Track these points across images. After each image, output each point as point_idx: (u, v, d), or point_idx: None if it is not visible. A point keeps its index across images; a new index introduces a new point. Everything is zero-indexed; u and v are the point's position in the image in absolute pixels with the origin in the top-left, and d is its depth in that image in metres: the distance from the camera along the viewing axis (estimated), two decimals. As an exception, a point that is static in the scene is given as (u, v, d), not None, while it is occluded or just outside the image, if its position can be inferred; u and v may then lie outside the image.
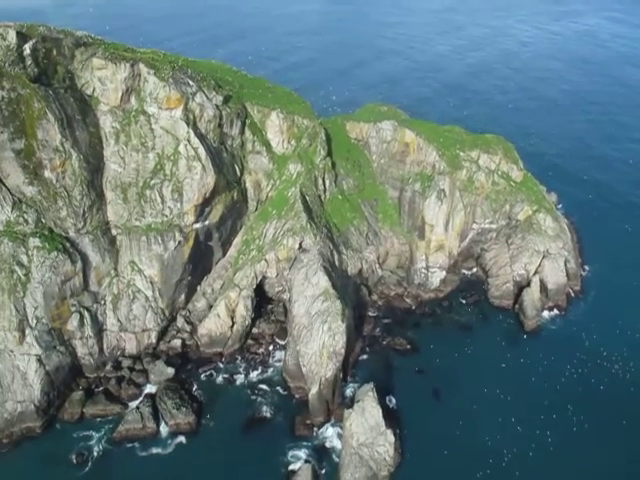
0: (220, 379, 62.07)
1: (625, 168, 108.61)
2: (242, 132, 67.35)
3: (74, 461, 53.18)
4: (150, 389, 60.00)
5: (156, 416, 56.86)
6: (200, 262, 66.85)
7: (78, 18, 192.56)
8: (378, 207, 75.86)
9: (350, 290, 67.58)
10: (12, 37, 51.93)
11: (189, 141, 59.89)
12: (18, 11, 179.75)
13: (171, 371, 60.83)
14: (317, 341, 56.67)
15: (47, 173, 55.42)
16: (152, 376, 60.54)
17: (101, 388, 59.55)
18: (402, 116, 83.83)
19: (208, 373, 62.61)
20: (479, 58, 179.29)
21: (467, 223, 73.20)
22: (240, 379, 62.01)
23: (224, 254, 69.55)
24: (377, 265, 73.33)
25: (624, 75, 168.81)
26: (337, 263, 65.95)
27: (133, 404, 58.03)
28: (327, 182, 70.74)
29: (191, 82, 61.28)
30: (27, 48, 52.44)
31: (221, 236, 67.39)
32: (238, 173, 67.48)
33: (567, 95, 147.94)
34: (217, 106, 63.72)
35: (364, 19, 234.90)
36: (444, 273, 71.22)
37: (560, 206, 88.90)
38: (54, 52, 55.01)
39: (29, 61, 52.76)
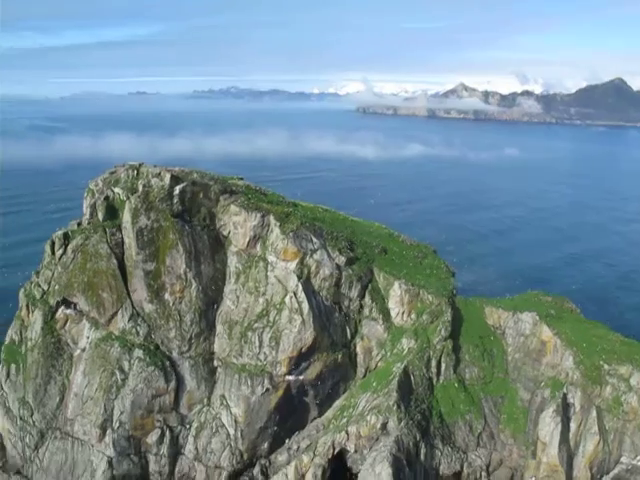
0: None
1: None
2: (362, 296, 65.35)
3: None
4: (195, 530, 56.93)
5: None
6: (291, 416, 63.47)
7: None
8: (503, 407, 64.54)
9: (435, 493, 57.05)
10: (167, 179, 60.15)
11: (295, 294, 60.00)
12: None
13: (220, 518, 57.06)
14: (357, 539, 48.06)
15: (167, 296, 60.28)
16: (201, 517, 57.53)
17: (154, 512, 58.58)
18: (565, 312, 72.68)
19: (257, 534, 57.27)
20: None
21: (609, 454, 57.63)
22: None
23: (320, 414, 65.11)
24: (484, 473, 60.96)
25: None
26: (422, 457, 56.60)
27: (172, 540, 55.45)
28: (443, 365, 63.09)
29: (315, 239, 62.57)
30: (177, 189, 59.98)
31: (317, 395, 63.65)
32: (349, 336, 64.61)
33: None
34: (338, 266, 63.51)
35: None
36: (558, 509, 55.85)
37: None
38: (201, 195, 61.84)
39: (176, 200, 60.01)
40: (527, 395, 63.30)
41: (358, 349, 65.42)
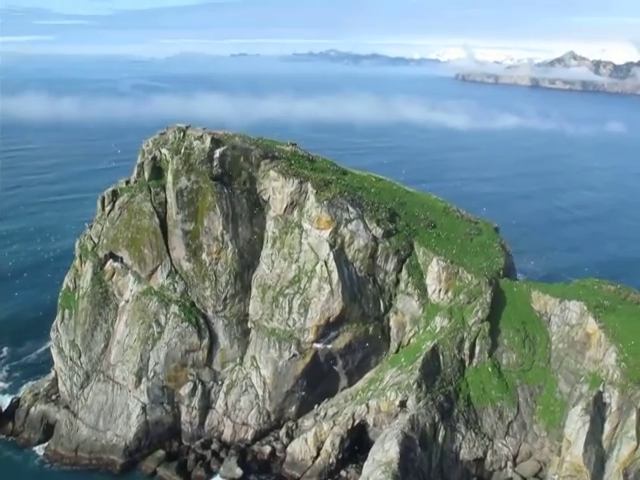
0: (279, 505, 56.19)
1: None
2: (399, 270, 62.38)
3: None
4: (216, 479, 58.08)
5: (199, 509, 54.39)
6: (320, 383, 62.51)
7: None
8: (540, 397, 59.98)
9: (451, 475, 54.30)
10: (208, 142, 59.81)
11: (326, 263, 58.25)
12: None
13: (238, 472, 57.17)
14: (357, 513, 46.83)
15: (204, 256, 60.63)
16: (221, 469, 58.42)
17: (181, 458, 59.82)
18: (625, 304, 65.78)
19: (273, 493, 57.47)
20: None
21: (647, 462, 52.01)
22: (298, 516, 55.04)
23: (350, 384, 63.62)
24: (510, 463, 57.33)
25: None
26: (440, 440, 53.91)
27: (193, 487, 56.75)
28: (477, 348, 59.16)
29: (351, 209, 60.12)
30: (217, 152, 59.52)
31: (346, 365, 62.09)
32: (382, 309, 62.21)
33: None
34: (375, 238, 60.87)
35: None
36: (580, 512, 51.27)
37: None
38: (241, 159, 61.08)
39: (215, 162, 59.66)
40: (567, 388, 58.34)
41: (392, 323, 62.96)
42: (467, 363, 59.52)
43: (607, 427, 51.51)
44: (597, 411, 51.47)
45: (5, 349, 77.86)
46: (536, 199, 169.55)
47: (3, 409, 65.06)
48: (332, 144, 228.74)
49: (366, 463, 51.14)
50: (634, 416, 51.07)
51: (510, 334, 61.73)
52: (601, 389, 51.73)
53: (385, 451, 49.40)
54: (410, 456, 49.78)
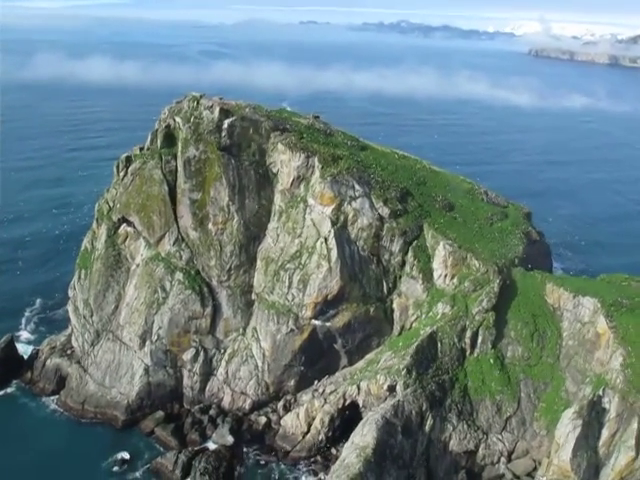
0: (266, 473, 55.95)
1: None
2: (405, 251, 59.82)
3: (115, 460, 55.79)
4: (209, 445, 58.17)
5: (187, 469, 54.97)
6: (320, 360, 61.36)
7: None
8: (545, 394, 56.50)
9: (438, 466, 52.34)
10: (216, 112, 58.68)
11: (326, 240, 56.47)
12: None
13: (229, 440, 57.45)
14: (327, 493, 45.91)
15: (210, 225, 60.25)
16: (214, 435, 58.91)
17: (179, 421, 60.77)
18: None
19: (263, 462, 57.02)
20: None
21: (647, 473, 48.05)
22: (282, 488, 54.70)
23: (351, 363, 62.30)
24: (504, 459, 54.58)
25: None
26: (427, 428, 51.77)
27: (185, 449, 57.27)
28: (479, 338, 56.21)
29: (358, 186, 57.71)
30: (225, 123, 58.35)
31: (346, 344, 60.70)
32: (385, 290, 60.05)
33: None
34: (381, 217, 58.40)
35: None
36: (567, 518, 48.07)
37: None
38: (251, 130, 59.65)
39: (224, 133, 58.54)
40: (574, 388, 54.46)
41: (395, 305, 60.72)
42: (468, 353, 56.61)
43: (605, 433, 47.76)
44: (595, 416, 47.83)
45: (38, 301, 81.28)
46: (603, 188, 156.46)
47: (25, 358, 68.36)
48: (391, 119, 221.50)
49: (346, 444, 49.88)
50: (635, 425, 47.05)
51: (518, 326, 58.16)
52: (600, 393, 47.97)
53: (363, 435, 47.89)
54: (389, 442, 48.05)
